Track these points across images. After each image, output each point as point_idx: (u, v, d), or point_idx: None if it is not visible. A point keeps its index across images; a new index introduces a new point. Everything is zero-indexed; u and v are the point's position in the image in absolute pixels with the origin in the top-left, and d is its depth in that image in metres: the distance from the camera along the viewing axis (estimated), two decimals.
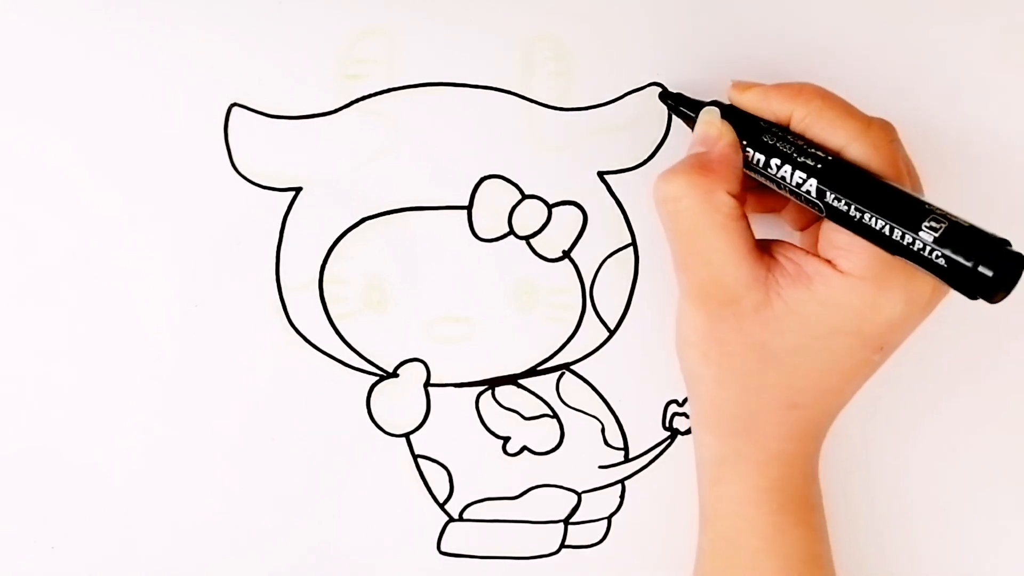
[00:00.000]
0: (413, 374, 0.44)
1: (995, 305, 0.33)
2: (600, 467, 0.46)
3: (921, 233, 0.33)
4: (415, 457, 0.45)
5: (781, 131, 0.38)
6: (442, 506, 0.45)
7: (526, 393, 0.45)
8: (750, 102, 0.39)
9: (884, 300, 0.36)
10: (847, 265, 0.36)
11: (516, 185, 0.43)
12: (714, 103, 0.40)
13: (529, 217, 0.43)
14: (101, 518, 0.45)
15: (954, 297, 0.45)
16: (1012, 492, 0.47)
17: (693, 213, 0.37)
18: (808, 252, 0.38)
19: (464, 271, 0.43)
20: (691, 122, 0.40)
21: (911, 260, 0.34)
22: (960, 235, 0.32)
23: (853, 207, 0.35)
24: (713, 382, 0.39)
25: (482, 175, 0.43)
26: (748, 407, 0.39)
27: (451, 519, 0.46)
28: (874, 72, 0.43)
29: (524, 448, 0.45)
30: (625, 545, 0.46)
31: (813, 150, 0.37)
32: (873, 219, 0.35)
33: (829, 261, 0.37)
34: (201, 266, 0.43)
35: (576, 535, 0.46)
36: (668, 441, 0.46)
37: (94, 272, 0.43)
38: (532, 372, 0.45)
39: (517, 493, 0.46)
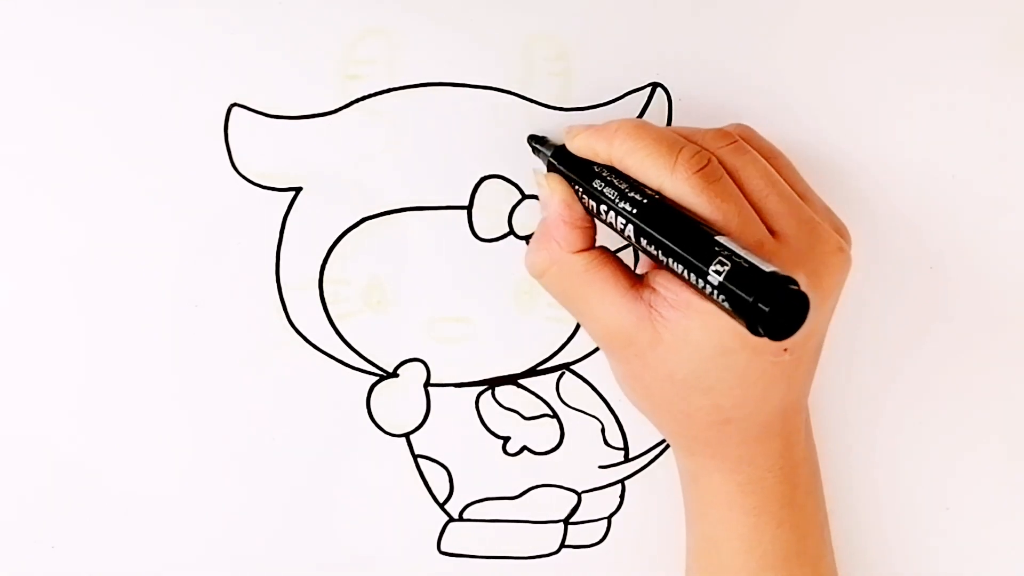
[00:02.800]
0: (413, 374, 0.44)
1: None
2: (600, 467, 0.46)
3: (709, 276, 0.32)
4: (415, 457, 0.45)
5: (611, 175, 0.37)
6: (442, 506, 0.45)
7: (526, 393, 0.45)
8: (580, 148, 0.39)
9: None
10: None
11: (516, 185, 0.43)
12: (562, 147, 0.40)
13: (529, 217, 0.43)
14: (101, 518, 0.45)
15: (955, 297, 0.45)
16: (1012, 491, 0.47)
17: (558, 281, 0.39)
18: (680, 279, 0.36)
19: (464, 271, 0.43)
20: (544, 159, 0.41)
21: (709, 301, 0.33)
22: (742, 275, 0.32)
23: (660, 252, 0.35)
24: (653, 413, 0.41)
25: (482, 175, 0.43)
26: (689, 430, 0.40)
27: (451, 519, 0.46)
28: (874, 72, 0.43)
29: (524, 448, 0.45)
30: (625, 545, 0.46)
31: (633, 194, 0.36)
32: (674, 263, 0.34)
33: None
34: (201, 266, 0.43)
35: (576, 535, 0.46)
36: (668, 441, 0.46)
37: (94, 272, 0.43)
38: (532, 372, 0.45)
39: (517, 493, 0.46)
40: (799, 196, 0.39)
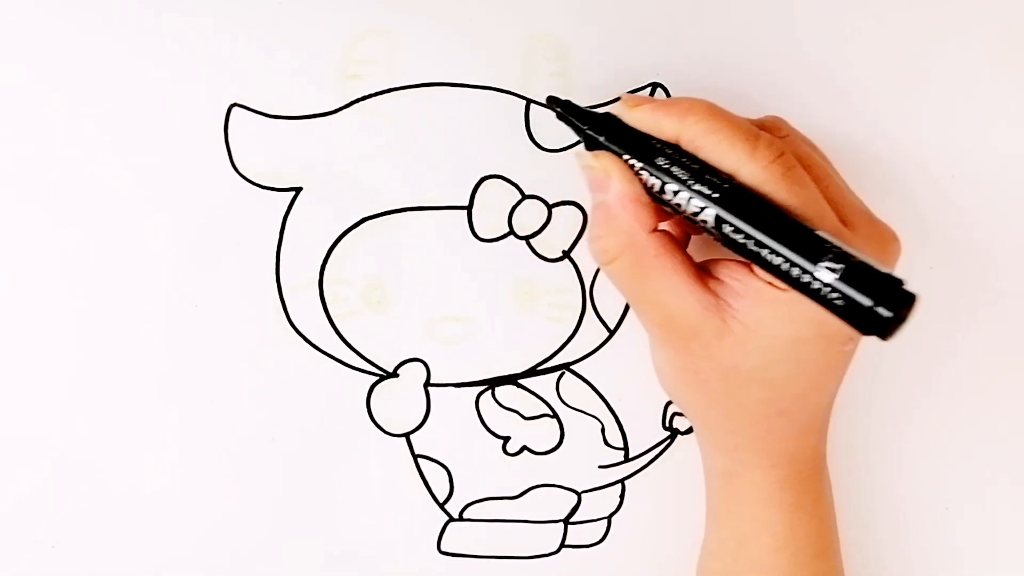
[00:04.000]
0: (413, 374, 0.44)
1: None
2: (600, 467, 0.46)
3: (818, 272, 0.32)
4: (415, 457, 0.45)
5: (676, 153, 0.36)
6: (442, 506, 0.45)
7: (526, 393, 0.45)
8: (641, 121, 0.37)
9: None
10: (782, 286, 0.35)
11: (516, 185, 0.43)
12: (606, 116, 0.38)
13: (529, 217, 0.43)
14: (101, 518, 0.45)
15: (955, 297, 0.45)
16: (1013, 491, 0.47)
17: (630, 266, 0.37)
18: (749, 269, 0.36)
19: (464, 271, 0.43)
20: (580, 133, 0.39)
21: (809, 296, 0.33)
22: (858, 274, 0.32)
23: (752, 242, 0.34)
24: (701, 408, 0.40)
25: (482, 175, 0.43)
26: (740, 422, 0.39)
27: (451, 519, 0.46)
28: (874, 72, 0.43)
29: (524, 448, 0.45)
30: (625, 545, 0.46)
31: (708, 176, 0.35)
32: (771, 255, 0.34)
33: (769, 281, 0.36)
34: (201, 266, 0.43)
35: (576, 535, 0.46)
36: (668, 441, 0.46)
37: (94, 272, 0.43)
38: (532, 372, 0.45)
39: (517, 493, 0.46)
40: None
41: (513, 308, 0.44)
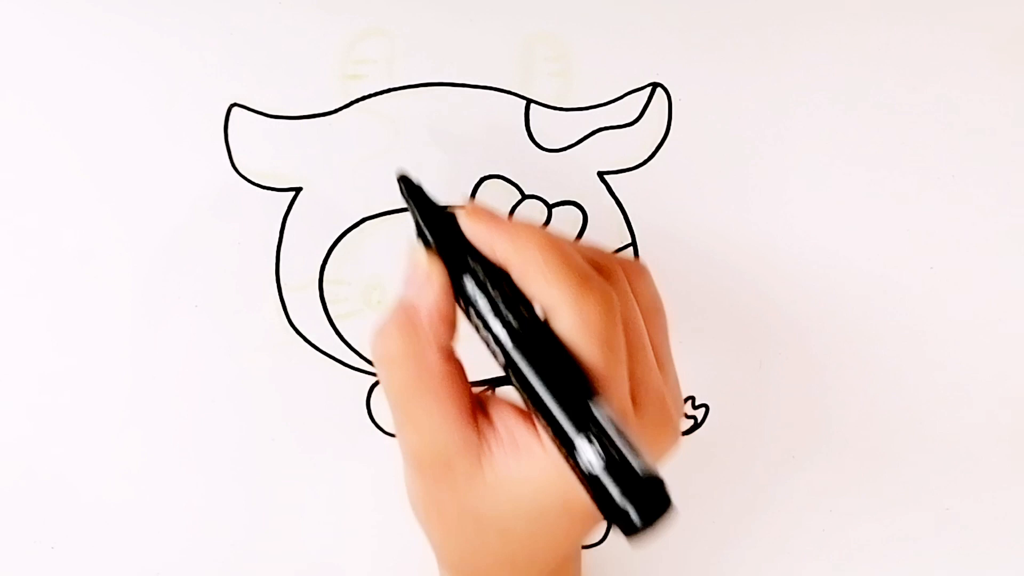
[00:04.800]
0: None
1: None
2: None
3: (578, 453, 0.30)
4: None
5: (495, 278, 0.33)
6: None
7: None
8: (475, 236, 0.34)
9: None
10: (548, 444, 0.33)
11: (516, 185, 0.43)
12: (447, 217, 0.35)
13: (529, 218, 0.43)
14: (101, 518, 0.45)
15: (955, 297, 0.45)
16: (1013, 491, 0.47)
17: (405, 377, 0.34)
18: (527, 420, 0.34)
19: None
20: (416, 222, 0.36)
21: (568, 464, 0.31)
22: (617, 470, 0.30)
23: (528, 391, 0.32)
24: (437, 540, 0.38)
25: (482, 175, 0.43)
26: (474, 565, 0.37)
27: None
28: (874, 72, 0.43)
29: None
30: (625, 545, 0.46)
31: (515, 312, 0.33)
32: (541, 411, 0.32)
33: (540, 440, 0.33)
34: (201, 266, 0.43)
35: None
36: None
37: (94, 272, 0.43)
38: None
39: None
40: (660, 364, 0.36)
41: None
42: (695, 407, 0.45)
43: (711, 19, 0.42)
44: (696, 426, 0.46)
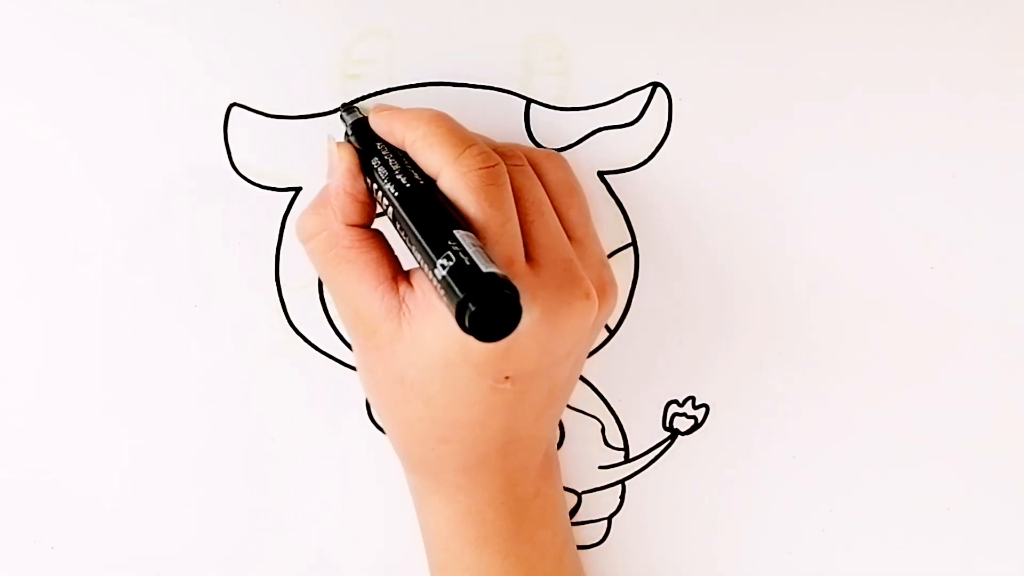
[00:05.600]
0: None
1: None
2: (600, 467, 0.46)
3: (436, 269, 0.32)
4: None
5: (394, 155, 0.37)
6: None
7: None
8: (378, 126, 0.38)
9: None
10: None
11: None
12: (363, 119, 0.40)
13: None
14: (101, 518, 0.45)
15: (956, 297, 0.45)
16: (1013, 491, 0.47)
17: (323, 250, 0.37)
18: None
19: None
20: (345, 126, 0.40)
21: (443, 300, 0.32)
22: (462, 271, 0.31)
23: (406, 239, 0.34)
24: (380, 413, 0.40)
25: None
26: (408, 440, 0.39)
27: None
28: (874, 71, 0.43)
29: None
30: (625, 545, 0.46)
31: (406, 177, 0.36)
32: (413, 251, 0.34)
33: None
34: (201, 266, 0.43)
35: (576, 535, 0.46)
36: (668, 441, 0.46)
37: (93, 272, 0.43)
38: None
39: None
40: (577, 239, 0.39)
41: None
42: (695, 407, 0.45)
43: (711, 19, 0.42)
44: (696, 426, 0.46)
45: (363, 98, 0.42)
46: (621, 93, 0.42)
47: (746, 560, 0.47)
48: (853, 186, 0.43)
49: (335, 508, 0.45)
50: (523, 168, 0.38)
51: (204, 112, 0.42)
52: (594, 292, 0.37)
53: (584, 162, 0.43)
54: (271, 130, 0.42)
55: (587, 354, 0.42)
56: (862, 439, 0.46)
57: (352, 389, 0.44)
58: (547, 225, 0.37)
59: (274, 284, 0.43)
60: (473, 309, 0.30)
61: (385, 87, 0.42)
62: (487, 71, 0.42)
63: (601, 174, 0.43)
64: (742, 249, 0.44)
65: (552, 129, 0.42)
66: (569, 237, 0.39)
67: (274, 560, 0.46)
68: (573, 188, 0.41)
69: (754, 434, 0.46)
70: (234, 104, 0.42)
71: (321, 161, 0.42)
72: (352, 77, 0.42)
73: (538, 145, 0.43)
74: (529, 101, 0.42)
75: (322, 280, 0.39)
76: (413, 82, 0.42)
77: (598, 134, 0.43)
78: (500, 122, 0.42)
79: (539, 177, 0.39)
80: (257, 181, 0.42)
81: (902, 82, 0.43)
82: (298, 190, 0.43)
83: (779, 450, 0.46)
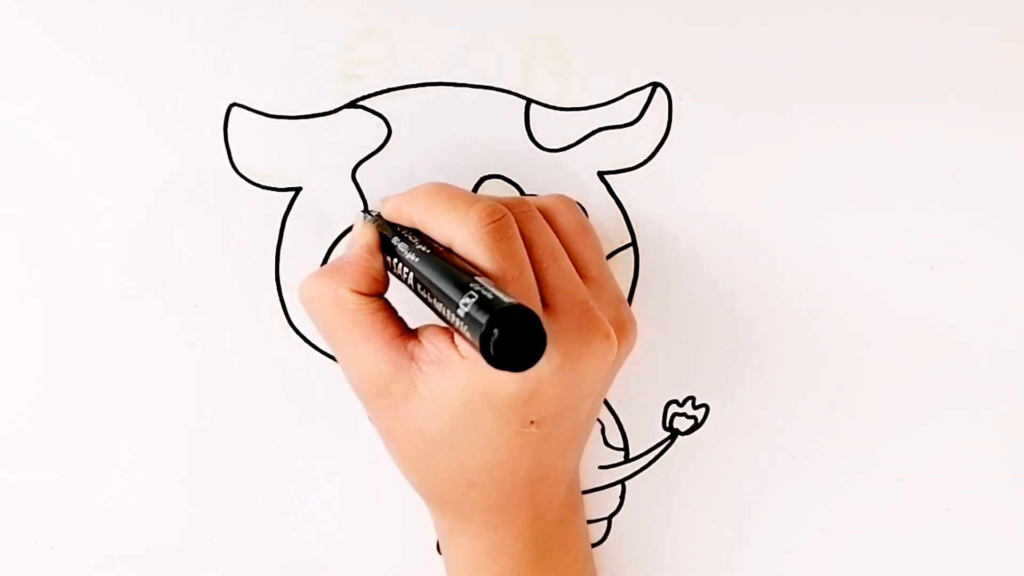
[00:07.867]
0: None
1: None
2: (600, 467, 0.46)
3: (459, 309, 0.32)
4: None
5: (410, 233, 0.38)
6: None
7: None
8: (388, 213, 0.39)
9: (497, 378, 0.35)
10: (463, 348, 0.36)
11: (516, 185, 0.43)
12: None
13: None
14: (101, 518, 0.45)
15: (956, 297, 0.45)
16: (1013, 491, 0.47)
17: (326, 311, 0.38)
18: (450, 337, 0.36)
19: None
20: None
21: (468, 341, 0.32)
22: (484, 303, 0.31)
23: (427, 295, 0.35)
24: (404, 468, 0.40)
25: (482, 175, 0.43)
26: (434, 487, 0.40)
27: None
28: (874, 71, 0.43)
29: None
30: (625, 545, 0.46)
31: (423, 246, 0.36)
32: (435, 302, 0.34)
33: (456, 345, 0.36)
34: (201, 266, 0.43)
35: None
36: (668, 441, 0.46)
37: (93, 272, 0.43)
38: None
39: None
40: (592, 278, 0.39)
41: None
42: (695, 407, 0.45)
43: (711, 19, 0.42)
44: (696, 426, 0.46)
45: (363, 98, 0.42)
46: (621, 93, 0.42)
47: (746, 560, 0.47)
48: (853, 186, 0.43)
49: (335, 508, 0.45)
50: (531, 214, 0.38)
51: (204, 112, 0.42)
52: (612, 332, 0.37)
53: (584, 162, 0.43)
54: (271, 130, 0.42)
55: (608, 388, 0.42)
56: (862, 439, 0.46)
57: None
58: (562, 270, 0.38)
59: (274, 284, 0.43)
60: (497, 335, 0.30)
61: (385, 87, 0.42)
62: (487, 71, 0.42)
63: (601, 174, 0.43)
64: (742, 249, 0.44)
65: (552, 129, 0.42)
66: (583, 276, 0.39)
67: (274, 560, 0.46)
68: (584, 227, 0.41)
69: (754, 434, 0.46)
70: (234, 104, 0.42)
71: (321, 161, 0.42)
72: (352, 77, 0.42)
73: (539, 146, 0.43)
74: (529, 101, 0.42)
75: (328, 344, 0.39)
76: (413, 82, 0.42)
77: (598, 134, 0.43)
78: (500, 122, 0.42)
79: (550, 221, 0.39)
80: (257, 181, 0.42)
81: (902, 82, 0.43)
82: (298, 190, 0.43)
83: (779, 450, 0.46)
